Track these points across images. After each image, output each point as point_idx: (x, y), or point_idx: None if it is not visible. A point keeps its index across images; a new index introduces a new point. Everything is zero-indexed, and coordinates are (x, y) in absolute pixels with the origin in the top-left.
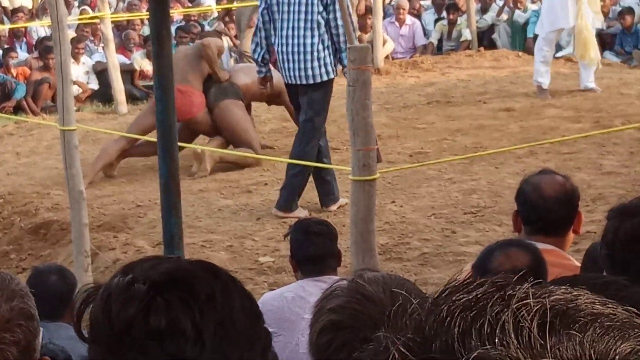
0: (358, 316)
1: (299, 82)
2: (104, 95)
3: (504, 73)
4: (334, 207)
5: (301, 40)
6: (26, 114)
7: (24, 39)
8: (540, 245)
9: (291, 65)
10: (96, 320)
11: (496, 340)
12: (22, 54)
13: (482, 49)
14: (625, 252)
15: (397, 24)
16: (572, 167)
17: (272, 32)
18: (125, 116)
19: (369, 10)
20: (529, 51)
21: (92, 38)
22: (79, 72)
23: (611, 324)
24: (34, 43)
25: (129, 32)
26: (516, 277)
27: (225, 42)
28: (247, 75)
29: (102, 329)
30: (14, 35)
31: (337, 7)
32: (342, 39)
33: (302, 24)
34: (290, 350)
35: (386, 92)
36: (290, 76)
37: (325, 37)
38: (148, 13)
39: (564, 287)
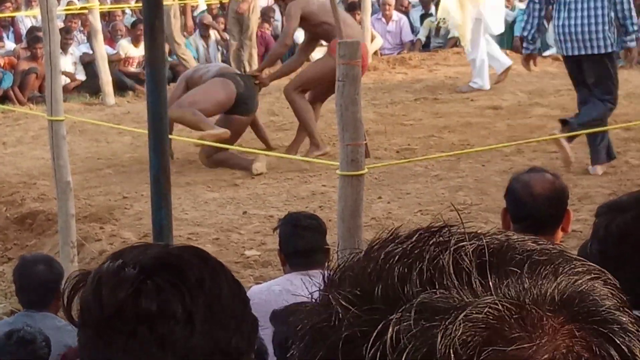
0: None
1: (584, 53)
2: (91, 86)
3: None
4: (599, 171)
5: (592, 12)
6: (13, 104)
7: (11, 29)
8: None
9: (579, 37)
10: (87, 304)
11: (436, 284)
12: (9, 43)
13: None
14: (618, 248)
15: (383, 20)
16: (559, 166)
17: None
18: (113, 107)
19: (357, 5)
20: (517, 49)
21: (82, 28)
22: (67, 62)
23: (545, 259)
24: (21, 32)
25: (116, 23)
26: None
27: (213, 35)
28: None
29: (93, 313)
30: (1, 24)
31: None
32: (627, 14)
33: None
34: None
35: (374, 88)
36: (574, 47)
37: (612, 13)
38: (136, 4)
39: (493, 230)
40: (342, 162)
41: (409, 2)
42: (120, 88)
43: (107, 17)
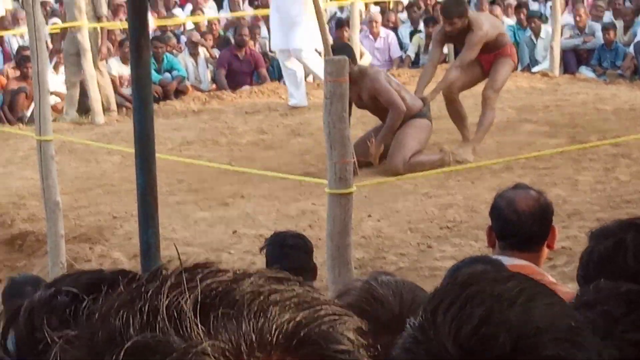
0: (364, 315)
1: None
2: (81, 105)
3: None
4: None
5: None
6: (2, 124)
7: (0, 48)
8: (514, 261)
9: None
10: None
11: (156, 328)
12: None
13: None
14: (597, 274)
15: (371, 37)
16: (548, 183)
17: None
18: (102, 126)
19: (345, 22)
20: None
21: None
22: (58, 82)
23: (272, 299)
24: (10, 52)
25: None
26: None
27: (202, 53)
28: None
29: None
30: None
31: None
32: None
33: None
34: None
35: None
36: None
37: None
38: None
39: (233, 270)
40: (330, 180)
41: (397, 18)
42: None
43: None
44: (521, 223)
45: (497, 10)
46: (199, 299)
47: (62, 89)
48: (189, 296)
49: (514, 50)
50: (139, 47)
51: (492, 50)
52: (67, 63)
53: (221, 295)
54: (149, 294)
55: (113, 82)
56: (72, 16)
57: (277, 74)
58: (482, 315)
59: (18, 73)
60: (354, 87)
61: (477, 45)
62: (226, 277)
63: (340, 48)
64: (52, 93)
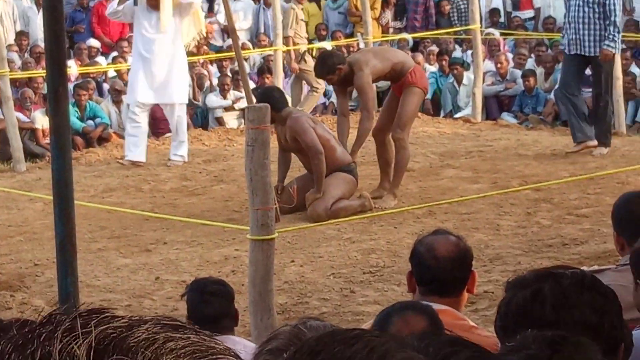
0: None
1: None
2: (1, 153)
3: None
4: (575, 148)
5: None
6: None
7: None
8: (435, 306)
9: None
10: None
11: None
12: None
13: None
14: (516, 324)
15: None
16: (470, 227)
17: None
18: (24, 174)
19: (266, 70)
20: (427, 112)
21: None
22: None
23: (172, 347)
24: None
25: (25, 90)
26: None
27: (125, 100)
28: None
29: None
30: None
31: None
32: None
33: None
34: None
35: None
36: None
37: None
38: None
39: (129, 316)
40: (252, 227)
41: None
42: (33, 155)
43: (18, 84)
44: (441, 268)
45: (419, 57)
46: (93, 345)
47: None
48: (83, 341)
49: (418, 75)
50: (58, 95)
51: (397, 80)
52: None
53: (115, 342)
54: (42, 338)
55: (36, 133)
56: None
57: (200, 121)
58: None
59: None
60: (282, 129)
61: (365, 88)
62: (121, 323)
63: (266, 91)
64: None
